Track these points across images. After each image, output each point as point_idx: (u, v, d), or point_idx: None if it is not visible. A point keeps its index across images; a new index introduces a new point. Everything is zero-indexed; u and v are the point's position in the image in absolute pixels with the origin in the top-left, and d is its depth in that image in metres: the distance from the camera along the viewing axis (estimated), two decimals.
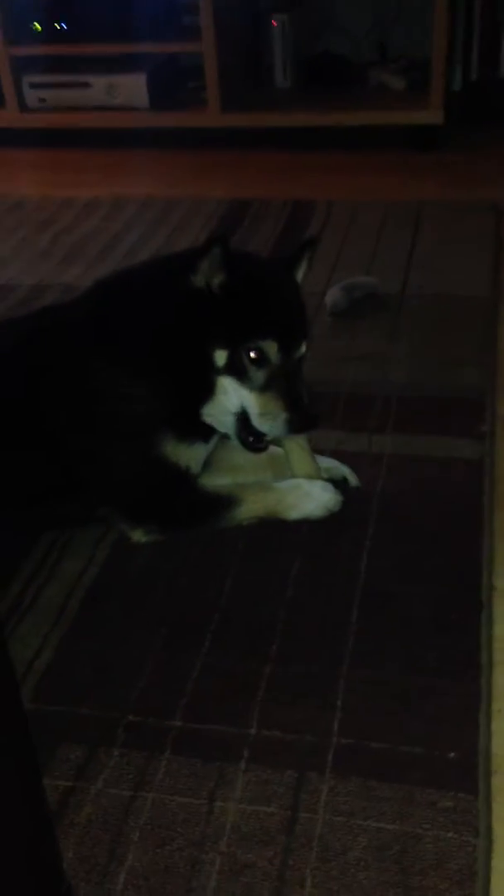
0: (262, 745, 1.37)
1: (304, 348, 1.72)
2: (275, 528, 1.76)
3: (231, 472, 1.87)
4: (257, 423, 1.68)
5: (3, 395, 1.74)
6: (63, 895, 1.12)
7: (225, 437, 1.81)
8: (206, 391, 1.70)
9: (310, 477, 1.79)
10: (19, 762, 1.01)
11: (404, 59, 3.77)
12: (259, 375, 1.66)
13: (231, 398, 1.69)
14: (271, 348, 1.65)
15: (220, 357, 1.66)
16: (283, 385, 1.66)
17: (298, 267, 1.79)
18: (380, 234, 2.92)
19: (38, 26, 3.77)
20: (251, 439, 1.70)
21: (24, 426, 1.74)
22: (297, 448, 1.78)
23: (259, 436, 1.69)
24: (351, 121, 3.60)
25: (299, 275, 1.80)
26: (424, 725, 1.37)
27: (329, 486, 1.78)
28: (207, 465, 1.85)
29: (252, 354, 1.64)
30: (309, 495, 1.76)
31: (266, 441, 1.72)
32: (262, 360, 1.65)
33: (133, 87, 3.71)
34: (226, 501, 1.77)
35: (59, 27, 3.77)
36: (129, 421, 1.73)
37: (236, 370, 1.66)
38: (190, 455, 1.76)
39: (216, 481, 1.85)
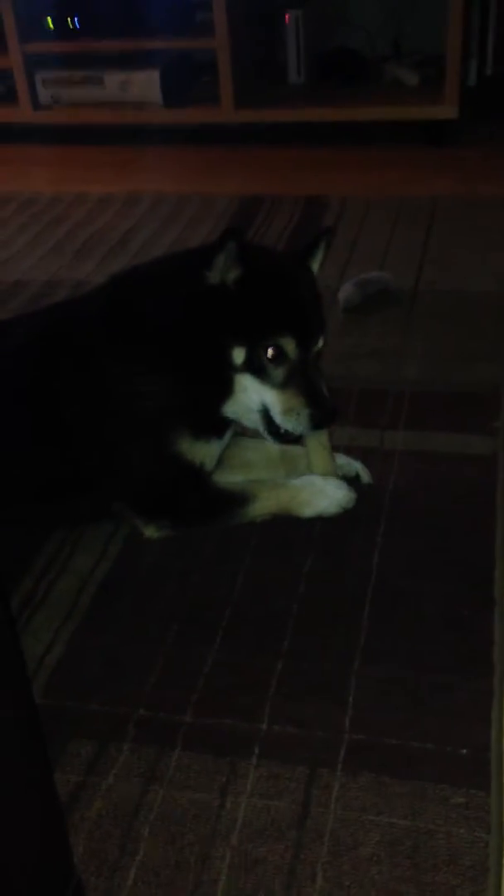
0: (274, 740, 1.37)
1: (321, 342, 1.71)
2: (287, 524, 1.75)
3: (243, 469, 1.87)
4: (280, 420, 1.67)
5: (17, 391, 1.74)
6: (73, 889, 1.12)
7: (240, 433, 1.81)
8: (225, 389, 1.69)
9: (327, 474, 1.78)
10: (31, 757, 1.01)
11: (418, 55, 3.76)
12: (278, 373, 1.65)
13: (251, 396, 1.68)
14: (289, 345, 1.64)
15: (238, 355, 1.65)
16: (303, 381, 1.65)
17: (314, 258, 1.78)
18: (393, 229, 2.91)
19: (50, 23, 3.78)
20: (283, 431, 1.69)
21: (37, 422, 1.74)
22: (318, 446, 1.77)
23: (287, 436, 1.69)
24: (364, 116, 3.59)
25: (315, 266, 1.79)
26: (436, 722, 1.37)
27: (342, 484, 1.78)
28: (220, 461, 1.84)
29: (270, 351, 1.63)
30: (322, 492, 1.76)
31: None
32: (280, 357, 1.64)
33: (146, 84, 3.71)
34: (239, 498, 1.77)
35: (71, 24, 3.78)
36: (143, 418, 1.73)
37: (255, 368, 1.65)
38: (205, 452, 1.76)
39: (228, 478, 1.85)
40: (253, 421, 1.73)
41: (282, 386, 1.65)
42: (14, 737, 0.96)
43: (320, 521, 1.75)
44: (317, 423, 1.67)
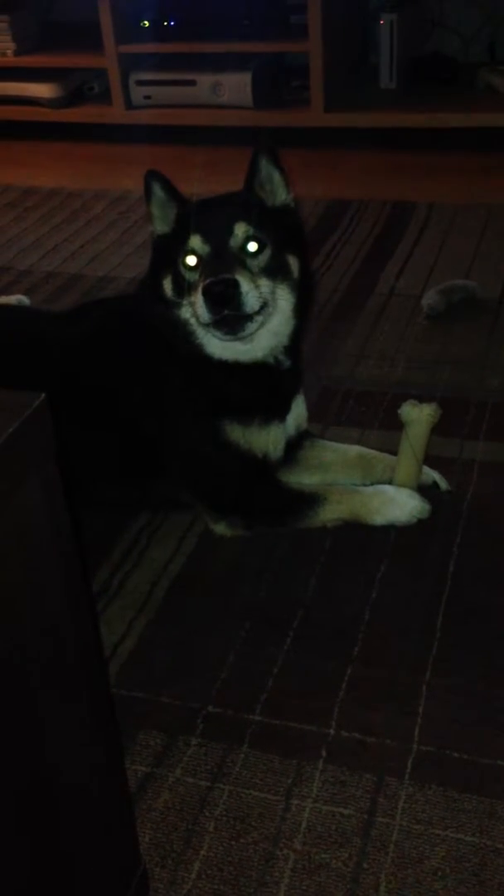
0: (341, 745, 1.36)
1: (240, 231, 1.56)
2: (363, 529, 1.74)
3: (320, 471, 1.86)
4: (196, 319, 1.57)
5: (90, 375, 1.75)
6: (139, 878, 1.13)
7: (316, 435, 1.79)
8: (189, 337, 1.62)
9: (406, 485, 1.76)
10: (106, 743, 1.02)
11: None
12: (195, 275, 1.56)
13: (191, 316, 1.59)
14: (196, 242, 1.56)
15: (167, 284, 1.61)
16: (209, 268, 1.54)
17: (256, 179, 1.64)
18: (481, 237, 2.87)
19: (146, 24, 3.83)
20: (210, 321, 1.54)
21: (111, 407, 1.75)
22: (411, 456, 1.75)
23: (222, 323, 1.55)
24: (456, 122, 3.54)
25: (273, 182, 1.65)
26: None
27: (415, 494, 1.75)
28: (295, 462, 1.84)
29: (188, 261, 1.57)
30: (394, 501, 1.74)
31: (232, 315, 1.53)
32: (197, 262, 1.57)
33: (238, 86, 3.73)
34: (309, 499, 1.75)
35: (167, 25, 3.82)
36: (185, 406, 1.70)
37: (180, 287, 1.59)
38: (264, 439, 1.72)
39: (304, 479, 1.85)
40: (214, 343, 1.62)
41: (197, 284, 1.55)
42: (92, 723, 0.97)
43: (396, 528, 1.74)
44: (210, 295, 1.51)
